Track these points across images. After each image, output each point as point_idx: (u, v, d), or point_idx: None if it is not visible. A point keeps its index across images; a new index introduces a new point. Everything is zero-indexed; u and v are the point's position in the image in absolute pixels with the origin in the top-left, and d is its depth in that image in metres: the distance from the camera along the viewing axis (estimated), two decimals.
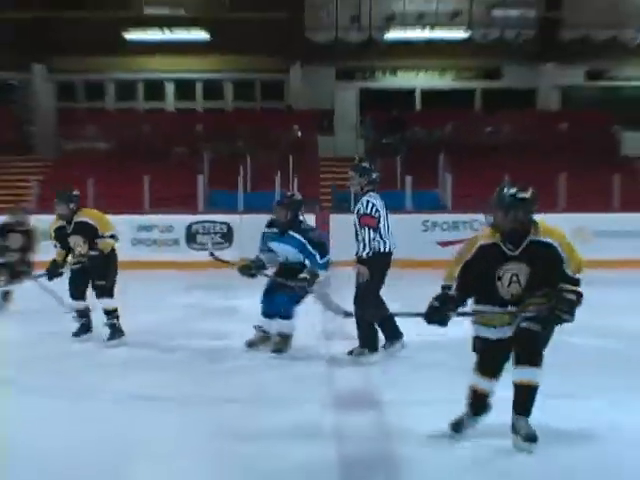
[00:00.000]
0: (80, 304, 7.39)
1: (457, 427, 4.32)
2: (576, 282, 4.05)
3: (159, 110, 22.89)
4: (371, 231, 6.51)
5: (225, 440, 4.61)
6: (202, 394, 5.67)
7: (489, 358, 4.30)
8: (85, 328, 7.45)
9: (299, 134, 20.38)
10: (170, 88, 22.88)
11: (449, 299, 4.15)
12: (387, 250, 6.61)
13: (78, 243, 7.26)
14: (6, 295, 9.14)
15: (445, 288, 4.22)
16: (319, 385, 5.86)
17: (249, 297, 9.93)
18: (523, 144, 19.35)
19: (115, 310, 7.37)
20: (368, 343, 6.68)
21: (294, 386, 5.84)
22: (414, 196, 16.00)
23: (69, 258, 7.45)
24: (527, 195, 4.04)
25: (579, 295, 4.00)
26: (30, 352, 7.26)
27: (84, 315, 7.44)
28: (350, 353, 6.75)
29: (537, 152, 18.38)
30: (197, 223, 16.04)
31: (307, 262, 6.76)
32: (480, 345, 4.33)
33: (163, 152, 19.22)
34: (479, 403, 4.34)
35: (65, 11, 20.29)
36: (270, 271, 7.12)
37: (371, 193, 6.69)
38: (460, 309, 4.27)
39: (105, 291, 7.30)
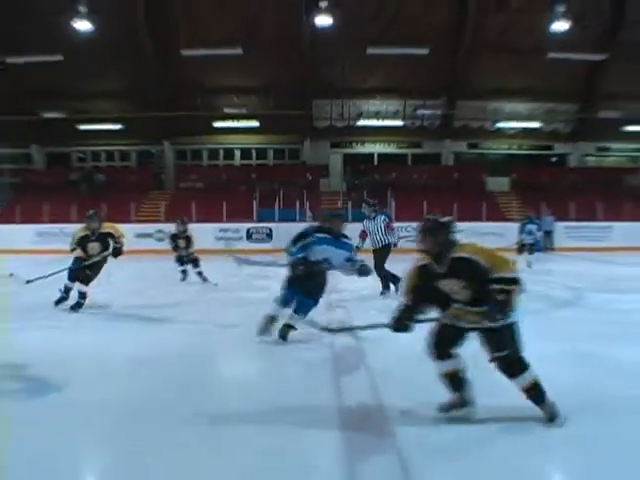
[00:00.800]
0: (71, 284, 6.12)
1: (450, 408, 2.94)
2: (507, 281, 2.71)
3: (231, 165, 22.79)
4: (391, 231, 7.13)
5: (252, 348, 4.56)
6: (248, 321, 5.39)
7: (441, 340, 2.94)
8: (63, 300, 6.14)
9: (309, 178, 20.31)
10: (237, 153, 22.82)
11: (405, 309, 2.96)
12: (394, 242, 7.12)
13: (95, 247, 6.08)
14: (185, 273, 8.84)
15: (403, 302, 3.02)
16: (319, 318, 5.76)
17: (282, 270, 10.01)
18: (433, 186, 19.30)
19: (85, 293, 6.14)
20: (388, 286, 6.95)
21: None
22: None
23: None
24: (446, 220, 2.96)
25: (508, 292, 2.69)
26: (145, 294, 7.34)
27: (68, 293, 6.14)
28: (381, 294, 6.86)
29: (441, 190, 18.35)
30: (252, 228, 16.17)
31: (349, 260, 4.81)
32: (435, 328, 2.98)
33: (233, 189, 19.15)
34: (455, 382, 2.94)
35: (180, 111, 20.36)
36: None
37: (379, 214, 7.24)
38: (421, 316, 3.00)
39: (88, 281, 6.10)
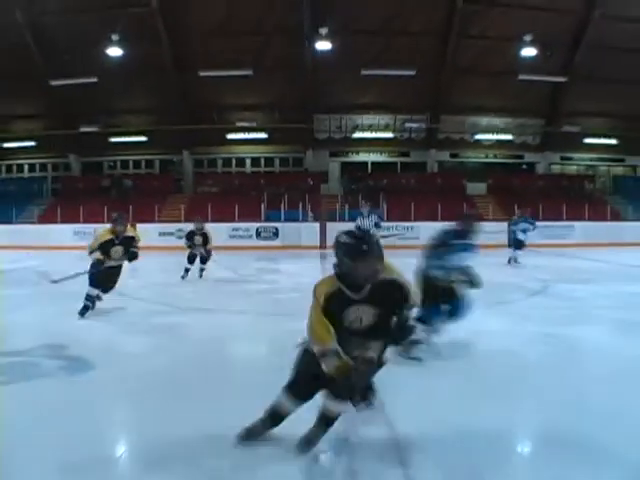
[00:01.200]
0: (94, 291, 5.20)
1: (249, 436, 2.29)
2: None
3: (242, 172, 22.58)
4: (379, 229, 7.52)
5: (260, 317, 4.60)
6: (258, 308, 5.59)
7: (309, 382, 2.19)
8: (88, 309, 5.17)
9: (311, 183, 20.17)
10: (248, 162, 22.64)
11: (335, 354, 2.06)
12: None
13: (118, 251, 5.22)
14: (187, 272, 8.15)
15: (328, 348, 2.07)
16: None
17: (286, 264, 9.95)
18: (420, 190, 19.19)
19: (91, 296, 5.21)
20: None
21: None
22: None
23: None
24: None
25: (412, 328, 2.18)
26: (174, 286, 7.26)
27: (92, 301, 5.21)
28: None
29: (426, 194, 18.22)
30: (261, 227, 16.12)
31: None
32: (305, 361, 2.20)
33: (245, 193, 18.99)
34: (278, 420, 2.29)
35: (197, 125, 20.28)
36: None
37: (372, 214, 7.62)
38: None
39: (106, 290, 5.39)
